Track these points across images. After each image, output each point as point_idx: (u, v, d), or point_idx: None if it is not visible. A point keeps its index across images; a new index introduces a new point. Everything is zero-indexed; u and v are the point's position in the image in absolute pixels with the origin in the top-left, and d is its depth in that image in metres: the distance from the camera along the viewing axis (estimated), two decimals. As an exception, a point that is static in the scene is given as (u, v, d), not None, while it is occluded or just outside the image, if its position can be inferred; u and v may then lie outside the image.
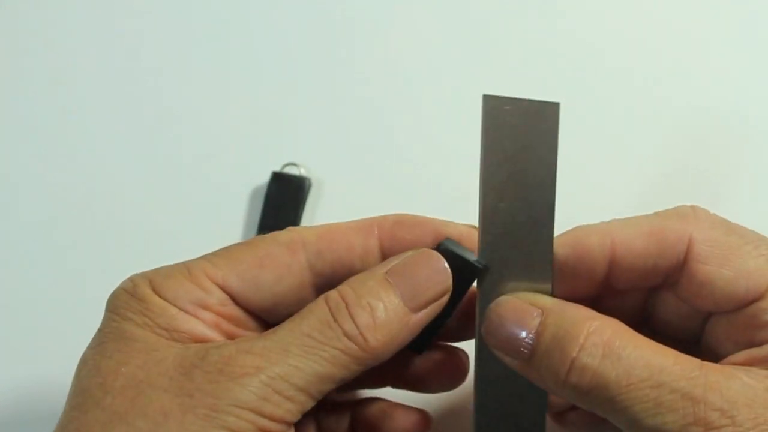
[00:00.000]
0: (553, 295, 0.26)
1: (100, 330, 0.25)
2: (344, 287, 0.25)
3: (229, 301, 0.26)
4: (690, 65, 0.39)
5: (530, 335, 0.24)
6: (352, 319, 0.24)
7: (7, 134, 0.40)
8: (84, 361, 0.24)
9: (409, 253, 0.26)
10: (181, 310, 0.25)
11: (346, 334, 0.24)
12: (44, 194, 0.39)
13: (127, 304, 0.25)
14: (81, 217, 0.38)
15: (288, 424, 0.23)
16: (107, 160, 0.39)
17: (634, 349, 0.23)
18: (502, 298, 0.26)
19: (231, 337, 0.26)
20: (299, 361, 0.23)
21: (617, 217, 0.26)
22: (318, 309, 0.24)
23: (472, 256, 0.26)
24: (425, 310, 0.25)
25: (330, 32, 0.41)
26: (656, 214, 0.26)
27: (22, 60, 0.41)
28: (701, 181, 0.38)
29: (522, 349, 0.24)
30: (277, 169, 0.38)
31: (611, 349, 0.23)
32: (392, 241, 0.27)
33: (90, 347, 0.25)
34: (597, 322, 0.23)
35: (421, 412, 0.30)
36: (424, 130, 0.39)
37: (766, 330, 0.24)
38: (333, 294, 0.25)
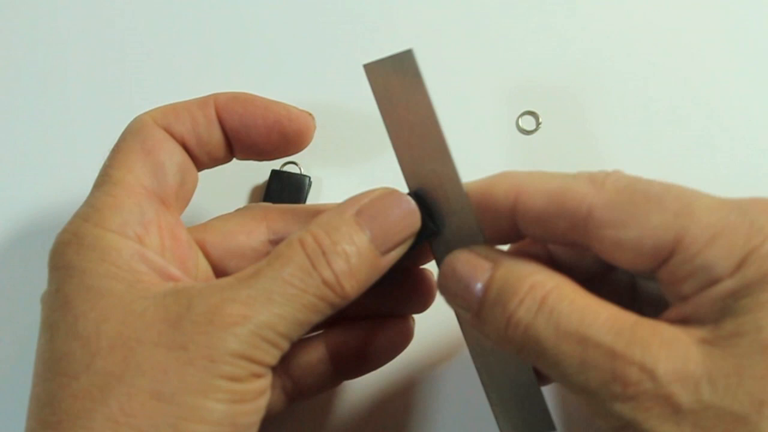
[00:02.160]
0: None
1: (57, 290, 0.24)
2: (317, 230, 0.25)
3: (162, 209, 0.26)
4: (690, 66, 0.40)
5: (478, 293, 0.24)
6: (330, 266, 0.24)
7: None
8: (52, 325, 0.24)
9: (377, 192, 0.26)
10: (135, 238, 0.25)
11: (324, 282, 0.24)
12: (44, 195, 0.39)
13: (79, 254, 0.24)
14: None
15: (270, 367, 0.24)
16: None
17: (569, 304, 0.23)
18: (457, 251, 0.26)
19: (173, 252, 0.26)
20: (281, 309, 0.23)
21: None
22: (295, 255, 0.24)
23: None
24: (394, 252, 0.26)
25: (329, 29, 0.41)
26: (572, 175, 0.25)
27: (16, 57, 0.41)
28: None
29: (472, 302, 0.24)
30: (277, 167, 0.38)
31: (546, 304, 0.23)
32: (226, 112, 0.28)
33: (51, 309, 0.24)
34: (540, 276, 0.23)
35: (402, 323, 0.30)
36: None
37: (686, 283, 0.22)
38: (307, 237, 0.25)
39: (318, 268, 0.24)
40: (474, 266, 0.25)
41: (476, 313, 0.24)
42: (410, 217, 0.26)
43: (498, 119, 0.39)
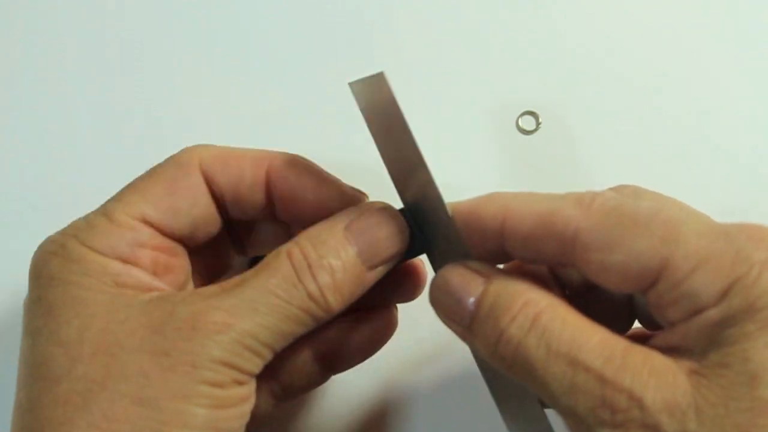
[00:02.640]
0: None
1: (39, 299, 0.24)
2: (305, 243, 0.25)
3: (157, 234, 0.26)
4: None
5: (472, 302, 0.24)
6: (315, 279, 0.24)
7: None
8: (35, 331, 0.24)
9: (369, 207, 0.26)
10: (121, 260, 0.25)
11: (309, 295, 0.24)
12: (43, 199, 0.39)
13: (64, 267, 0.24)
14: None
15: (253, 375, 0.24)
16: (104, 161, 0.39)
17: (561, 324, 0.22)
18: (450, 266, 0.26)
19: (167, 268, 0.26)
20: (265, 319, 0.24)
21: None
22: (281, 266, 0.24)
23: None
24: (381, 267, 0.26)
25: (329, 28, 0.41)
26: (560, 196, 0.24)
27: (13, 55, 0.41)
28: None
29: (464, 315, 0.24)
30: (276, 167, 0.38)
31: (539, 323, 0.22)
32: (278, 178, 0.27)
33: (35, 317, 0.24)
34: (533, 294, 0.23)
35: (385, 314, 0.30)
36: (423, 129, 0.39)
37: (670, 309, 0.22)
38: (295, 250, 0.25)
39: (303, 280, 0.24)
40: (467, 281, 0.25)
41: (467, 328, 0.24)
42: (399, 235, 0.26)
43: (498, 119, 0.39)
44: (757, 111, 0.38)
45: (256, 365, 0.24)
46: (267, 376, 0.29)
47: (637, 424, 0.21)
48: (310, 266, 0.24)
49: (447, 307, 0.25)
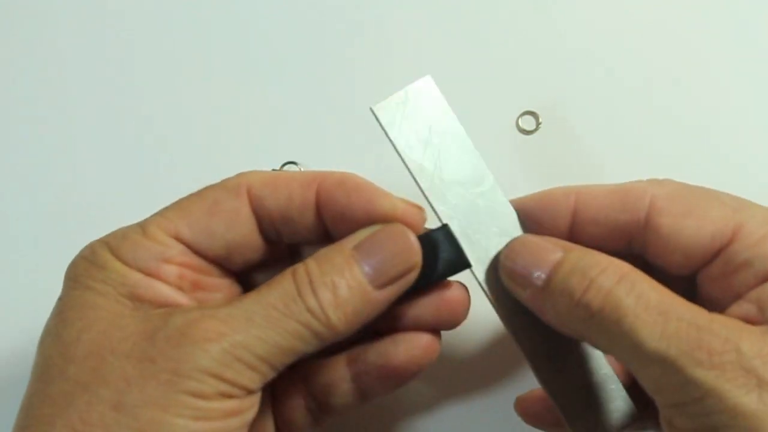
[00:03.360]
0: None
1: (60, 299, 0.25)
2: (311, 261, 0.25)
3: (188, 251, 0.26)
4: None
5: (548, 266, 0.25)
6: (315, 295, 0.24)
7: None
8: (47, 332, 0.24)
9: (378, 226, 0.26)
10: (143, 272, 0.25)
11: (309, 310, 0.24)
12: (42, 199, 0.39)
13: (88, 271, 0.25)
14: (80, 220, 0.38)
15: (249, 391, 0.23)
16: (104, 162, 0.39)
17: (648, 283, 0.23)
18: (527, 236, 0.27)
19: (197, 285, 0.26)
20: (262, 331, 0.23)
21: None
22: (285, 281, 0.24)
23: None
24: (390, 287, 0.25)
25: (330, 32, 0.41)
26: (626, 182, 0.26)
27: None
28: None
29: (537, 278, 0.25)
30: (277, 167, 0.38)
31: (627, 278, 0.23)
32: (327, 199, 0.26)
33: (51, 317, 0.25)
34: (618, 261, 0.24)
35: (426, 338, 0.28)
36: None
37: (742, 273, 0.24)
38: (300, 267, 0.25)
39: (303, 295, 0.24)
40: (545, 245, 0.26)
41: (542, 287, 0.25)
42: (407, 253, 0.25)
43: (498, 119, 0.39)
44: (757, 110, 0.38)
45: (251, 379, 0.23)
46: (302, 392, 0.28)
47: (734, 366, 0.21)
48: (311, 282, 0.24)
49: (521, 267, 0.26)
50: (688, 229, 0.25)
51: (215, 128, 0.40)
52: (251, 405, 0.24)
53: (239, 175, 0.27)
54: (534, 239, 0.26)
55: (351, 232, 0.26)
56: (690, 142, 0.38)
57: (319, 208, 0.26)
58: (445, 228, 0.27)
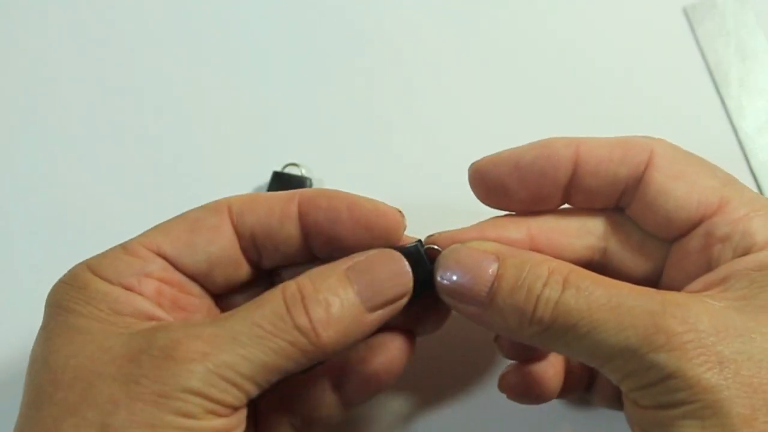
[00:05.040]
0: None
1: (44, 326, 0.25)
2: (303, 279, 0.25)
3: (169, 267, 0.26)
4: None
5: (487, 282, 0.24)
6: (306, 312, 0.24)
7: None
8: (34, 359, 0.24)
9: (374, 251, 0.26)
10: (124, 287, 0.25)
11: (297, 328, 0.24)
12: (40, 200, 0.39)
13: (69, 295, 0.25)
14: (81, 221, 0.38)
15: (234, 408, 0.23)
16: (105, 162, 0.39)
17: (592, 282, 0.23)
18: (454, 247, 0.26)
19: (176, 304, 0.26)
20: (247, 350, 0.23)
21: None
22: (272, 299, 0.24)
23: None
24: (382, 311, 0.25)
25: (331, 32, 0.41)
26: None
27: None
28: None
29: (481, 294, 0.25)
30: (278, 168, 0.38)
31: (570, 283, 0.23)
32: (309, 206, 0.26)
33: (38, 344, 0.25)
34: (554, 262, 0.24)
35: (402, 339, 0.29)
36: (424, 130, 0.39)
37: (718, 247, 0.24)
38: (291, 285, 0.24)
39: (292, 312, 0.24)
40: (479, 259, 0.25)
41: (487, 305, 0.24)
42: (402, 277, 0.26)
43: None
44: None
45: (236, 397, 0.23)
46: (285, 408, 0.28)
47: (694, 345, 0.21)
48: (303, 298, 0.24)
49: (461, 287, 0.25)
50: (677, 191, 0.25)
51: (217, 129, 0.40)
52: (238, 423, 0.24)
53: (220, 199, 0.27)
54: (464, 250, 0.26)
55: (338, 238, 0.26)
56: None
57: (302, 218, 0.27)
58: (417, 246, 0.27)
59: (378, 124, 0.39)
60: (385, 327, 0.27)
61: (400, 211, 0.27)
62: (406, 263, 0.26)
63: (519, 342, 0.28)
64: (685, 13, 0.37)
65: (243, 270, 0.28)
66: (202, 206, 0.27)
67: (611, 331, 0.22)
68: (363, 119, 0.40)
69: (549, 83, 0.39)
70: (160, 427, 0.22)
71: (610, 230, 0.28)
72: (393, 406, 0.35)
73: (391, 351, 0.28)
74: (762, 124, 0.36)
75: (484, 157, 0.28)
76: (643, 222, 0.27)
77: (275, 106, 0.40)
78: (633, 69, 0.39)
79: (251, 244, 0.27)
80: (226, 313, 0.24)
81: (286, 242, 0.27)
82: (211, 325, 0.23)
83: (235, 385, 0.23)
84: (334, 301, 0.24)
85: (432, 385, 0.35)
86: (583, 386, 0.31)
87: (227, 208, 0.27)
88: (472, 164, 0.28)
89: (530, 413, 0.33)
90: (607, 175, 0.26)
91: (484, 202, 0.28)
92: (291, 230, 0.27)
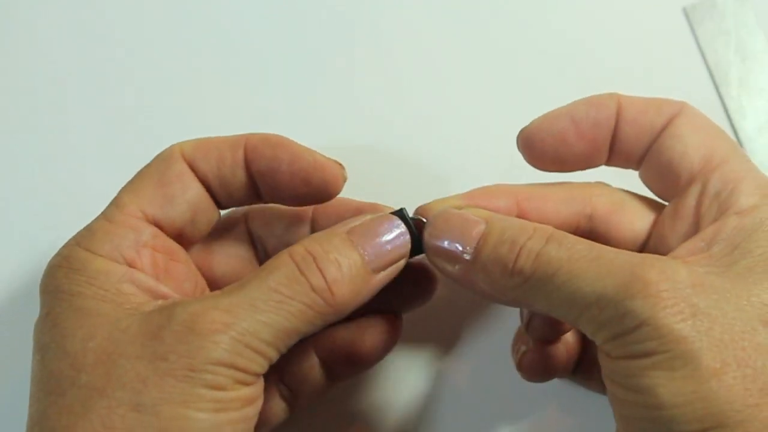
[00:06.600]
0: None
1: (47, 313, 0.24)
2: (310, 242, 0.25)
3: (159, 233, 0.26)
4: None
5: (474, 240, 0.25)
6: (321, 272, 0.24)
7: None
8: (42, 347, 0.24)
9: (368, 216, 0.27)
10: (125, 262, 0.25)
11: (313, 289, 0.24)
12: (42, 200, 0.39)
13: (68, 278, 0.24)
14: (81, 221, 0.38)
15: (258, 375, 0.24)
16: (105, 162, 0.39)
17: (574, 238, 0.24)
18: (444, 209, 0.27)
19: (169, 273, 0.26)
20: (266, 316, 0.23)
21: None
22: (283, 264, 0.24)
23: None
24: (384, 272, 0.26)
25: (327, 30, 0.41)
26: None
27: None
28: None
29: (465, 253, 0.25)
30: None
31: (554, 237, 0.24)
32: (254, 154, 0.27)
33: (42, 333, 0.24)
34: (538, 224, 0.25)
35: (389, 320, 0.30)
36: (424, 130, 0.39)
37: (707, 204, 0.25)
38: (298, 248, 0.25)
39: (306, 274, 0.24)
40: (467, 221, 0.26)
41: (473, 259, 0.25)
42: (401, 238, 0.26)
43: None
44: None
45: (260, 365, 0.24)
46: (275, 378, 0.29)
47: (669, 294, 0.22)
48: (315, 259, 0.24)
49: (447, 244, 0.26)
50: (688, 138, 0.26)
51: (218, 130, 0.39)
52: (261, 391, 0.24)
53: (169, 147, 0.28)
54: (454, 213, 0.26)
55: (277, 186, 0.27)
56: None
57: (247, 164, 0.27)
58: (401, 212, 0.27)
59: (377, 123, 0.39)
60: (374, 308, 0.28)
61: (339, 164, 0.28)
62: (403, 225, 0.26)
63: (502, 298, 0.29)
64: (685, 13, 0.37)
65: (215, 212, 0.28)
66: (155, 158, 0.27)
67: (590, 279, 0.23)
68: (362, 118, 0.40)
69: (549, 83, 0.40)
70: (192, 401, 0.22)
71: (596, 196, 0.29)
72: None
73: (380, 332, 0.29)
74: (762, 124, 0.37)
75: (533, 120, 0.28)
76: (648, 173, 0.28)
77: (275, 106, 0.40)
78: (633, 69, 0.39)
79: (209, 188, 0.28)
80: (236, 283, 0.24)
81: (237, 188, 0.28)
82: (225, 295, 0.24)
83: (258, 352, 0.23)
84: (343, 261, 0.25)
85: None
86: (570, 368, 0.32)
87: (181, 155, 0.27)
88: (524, 129, 0.28)
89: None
90: (644, 124, 0.27)
91: (538, 166, 0.29)
92: (241, 177, 0.28)
